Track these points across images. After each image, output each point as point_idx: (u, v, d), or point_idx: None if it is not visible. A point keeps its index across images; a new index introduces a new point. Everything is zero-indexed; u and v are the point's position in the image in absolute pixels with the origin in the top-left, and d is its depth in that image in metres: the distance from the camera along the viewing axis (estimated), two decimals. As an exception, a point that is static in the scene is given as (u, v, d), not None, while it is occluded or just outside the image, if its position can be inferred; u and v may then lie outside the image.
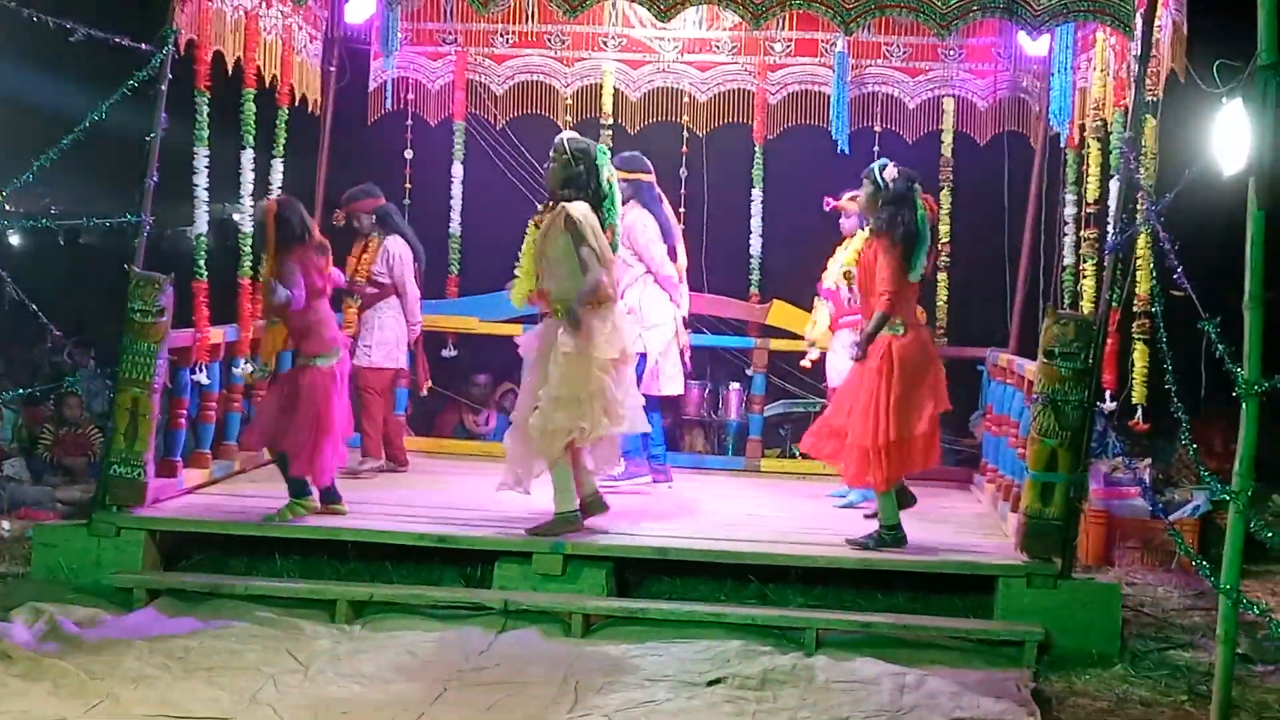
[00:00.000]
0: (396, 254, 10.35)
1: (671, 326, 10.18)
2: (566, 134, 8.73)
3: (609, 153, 8.98)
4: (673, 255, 10.17)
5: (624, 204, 9.45)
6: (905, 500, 8.51)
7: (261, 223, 8.75)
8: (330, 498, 8.77)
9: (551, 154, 8.51)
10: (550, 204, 8.50)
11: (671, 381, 10.23)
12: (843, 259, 9.88)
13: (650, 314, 9.99)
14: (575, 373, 8.26)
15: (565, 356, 8.24)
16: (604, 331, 8.33)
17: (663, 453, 10.39)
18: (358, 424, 10.08)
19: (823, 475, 10.35)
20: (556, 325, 8.34)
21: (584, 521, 8.49)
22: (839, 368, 9.85)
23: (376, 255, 10.34)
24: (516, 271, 8.64)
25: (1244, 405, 6.14)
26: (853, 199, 9.67)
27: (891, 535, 8.38)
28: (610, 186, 8.55)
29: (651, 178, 10.10)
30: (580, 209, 8.30)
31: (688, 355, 10.45)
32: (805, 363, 10.57)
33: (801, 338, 10.96)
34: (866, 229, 8.88)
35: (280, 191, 10.32)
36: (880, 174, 8.54)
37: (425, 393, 11.16)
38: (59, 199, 12.89)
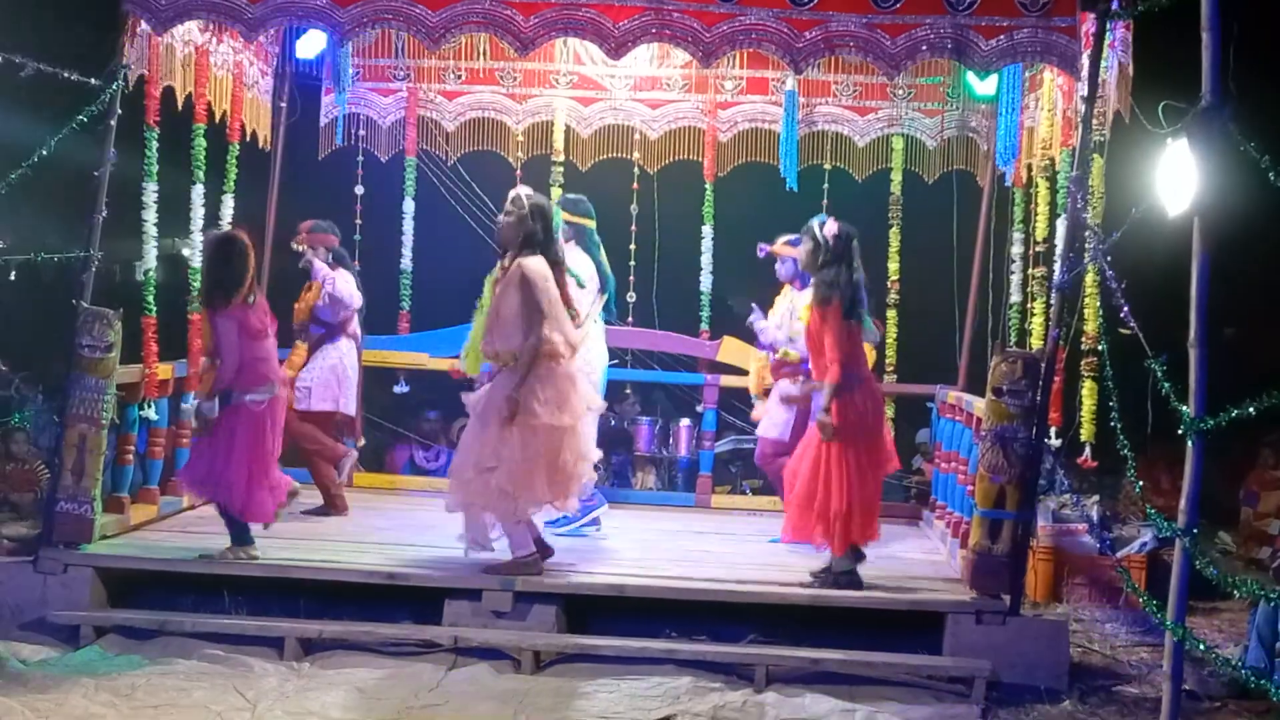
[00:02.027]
0: (334, 281, 10.18)
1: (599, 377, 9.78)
2: (523, 189, 8.50)
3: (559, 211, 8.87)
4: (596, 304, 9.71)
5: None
6: (857, 556, 8.48)
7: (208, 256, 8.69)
8: (242, 539, 8.56)
9: (508, 207, 8.33)
10: (505, 261, 8.32)
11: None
12: (782, 310, 9.83)
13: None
14: (535, 440, 8.11)
15: (526, 422, 8.08)
16: (560, 395, 8.18)
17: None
18: (307, 464, 10.05)
19: (774, 512, 10.35)
20: (511, 380, 8.14)
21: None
22: (771, 416, 9.83)
23: (320, 293, 10.24)
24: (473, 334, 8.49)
25: (1189, 443, 6.19)
26: (787, 244, 9.66)
27: (847, 578, 8.36)
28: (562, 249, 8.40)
29: (592, 224, 9.72)
30: (537, 267, 8.13)
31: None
32: (757, 414, 10.44)
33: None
34: (809, 289, 8.83)
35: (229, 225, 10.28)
36: (820, 231, 8.42)
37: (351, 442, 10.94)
38: (6, 234, 12.82)
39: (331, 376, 10.20)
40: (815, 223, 8.51)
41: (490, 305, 8.32)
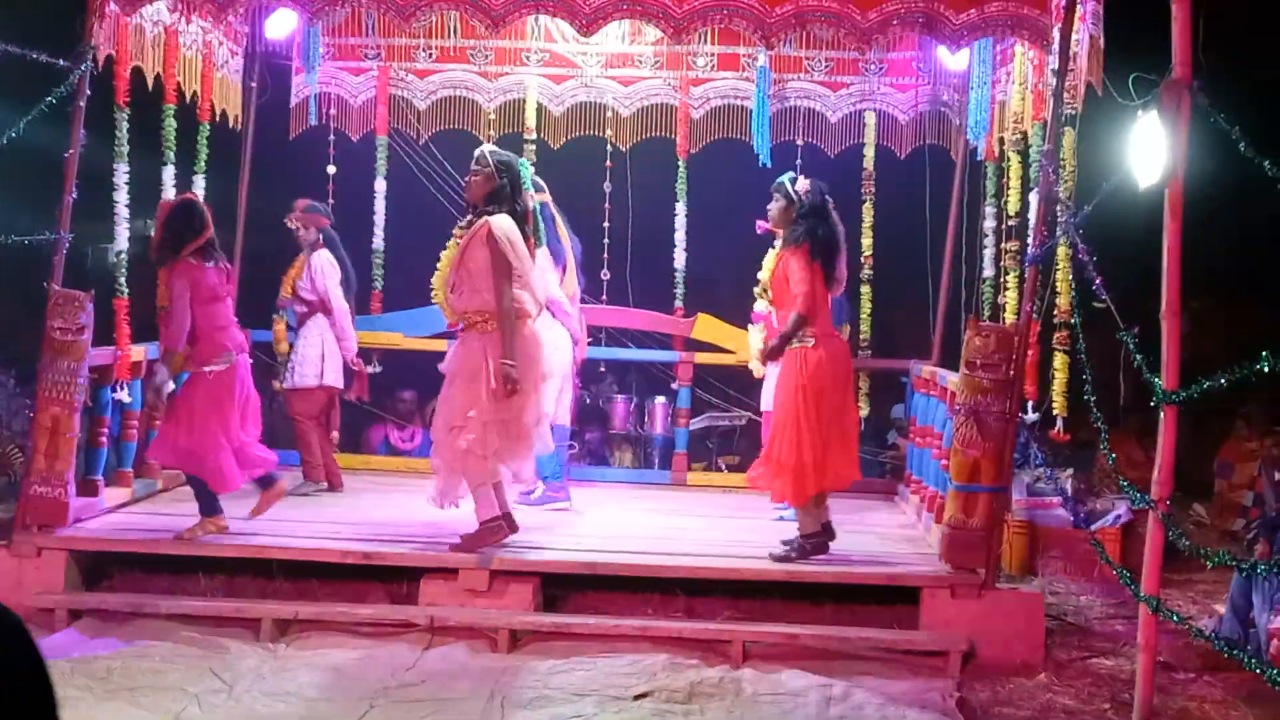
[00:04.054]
0: (319, 267, 10.24)
1: (567, 353, 9.82)
2: (488, 146, 8.53)
3: (530, 167, 8.91)
4: (564, 278, 9.78)
5: None
6: (827, 534, 8.48)
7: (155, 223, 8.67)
8: (211, 509, 8.53)
9: (474, 166, 8.30)
10: (472, 217, 8.32)
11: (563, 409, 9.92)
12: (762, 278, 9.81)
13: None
14: (501, 400, 8.10)
15: (497, 379, 8.09)
16: (526, 356, 8.19)
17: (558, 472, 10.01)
18: (297, 448, 10.09)
19: (749, 489, 10.36)
20: (479, 341, 8.18)
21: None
22: (770, 389, 9.84)
23: (302, 271, 10.25)
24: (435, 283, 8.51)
25: (1162, 414, 6.22)
26: None
27: (812, 544, 8.38)
28: (535, 203, 8.37)
29: (545, 197, 9.60)
30: (503, 224, 8.11)
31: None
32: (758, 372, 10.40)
33: (726, 350, 11.02)
34: (778, 243, 8.85)
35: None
36: (792, 188, 8.50)
37: (357, 400, 10.97)
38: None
39: (315, 354, 10.24)
40: (786, 179, 8.58)
41: (453, 261, 8.24)
